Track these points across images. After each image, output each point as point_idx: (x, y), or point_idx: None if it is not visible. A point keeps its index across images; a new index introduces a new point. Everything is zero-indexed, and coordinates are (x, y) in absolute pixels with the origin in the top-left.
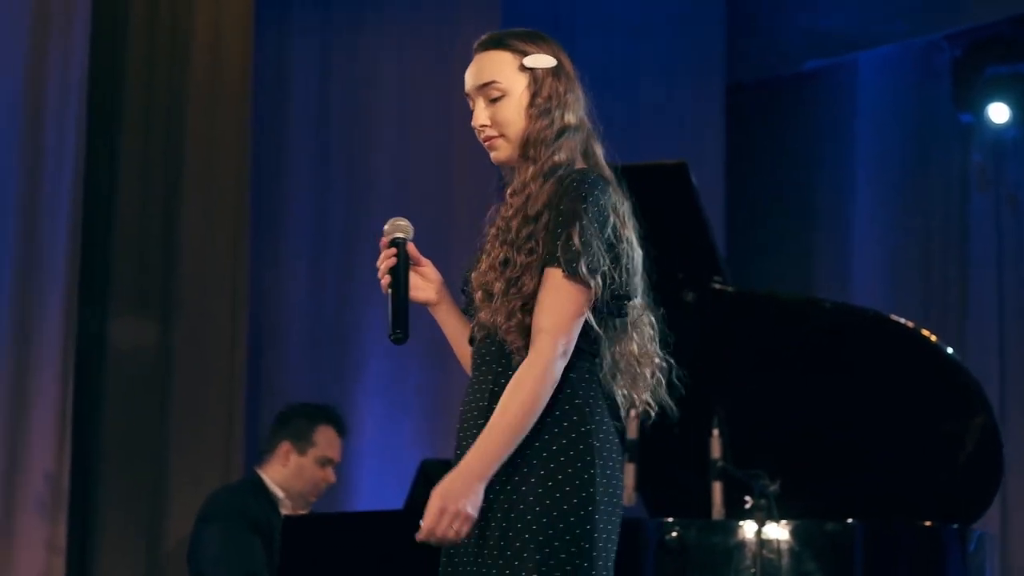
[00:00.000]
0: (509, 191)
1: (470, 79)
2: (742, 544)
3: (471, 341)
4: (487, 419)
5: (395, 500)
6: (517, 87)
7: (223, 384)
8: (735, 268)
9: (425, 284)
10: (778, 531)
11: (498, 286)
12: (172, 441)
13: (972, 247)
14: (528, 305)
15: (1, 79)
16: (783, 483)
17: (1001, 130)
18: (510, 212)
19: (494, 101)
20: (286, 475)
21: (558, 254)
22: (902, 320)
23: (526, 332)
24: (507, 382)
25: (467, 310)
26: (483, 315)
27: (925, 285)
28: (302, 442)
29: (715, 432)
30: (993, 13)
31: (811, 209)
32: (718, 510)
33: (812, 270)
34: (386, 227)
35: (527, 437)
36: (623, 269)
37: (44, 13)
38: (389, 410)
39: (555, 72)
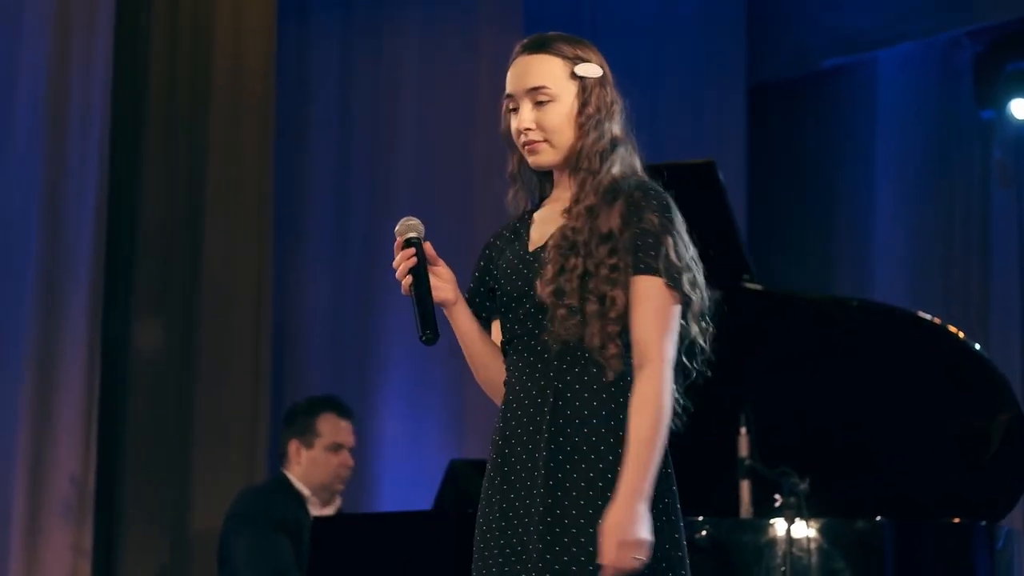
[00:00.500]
0: (565, 206)
1: (516, 81)
2: (772, 542)
3: (512, 340)
4: (553, 432)
5: (420, 501)
6: (566, 95)
7: (247, 386)
8: (756, 267)
9: (442, 284)
10: (807, 529)
11: (591, 306)
12: (196, 443)
13: (994, 244)
14: (624, 329)
15: (25, 85)
16: (811, 481)
17: (1022, 126)
18: (578, 223)
19: (540, 104)
20: (303, 472)
21: (656, 265)
22: (928, 316)
23: (625, 357)
24: (578, 397)
25: (489, 315)
26: (561, 329)
27: (946, 283)
28: (307, 436)
29: (743, 431)
30: (1014, 10)
31: (832, 207)
32: (746, 508)
33: (833, 268)
34: (398, 227)
35: (614, 439)
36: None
37: (66, 20)
38: (413, 411)
39: (602, 82)
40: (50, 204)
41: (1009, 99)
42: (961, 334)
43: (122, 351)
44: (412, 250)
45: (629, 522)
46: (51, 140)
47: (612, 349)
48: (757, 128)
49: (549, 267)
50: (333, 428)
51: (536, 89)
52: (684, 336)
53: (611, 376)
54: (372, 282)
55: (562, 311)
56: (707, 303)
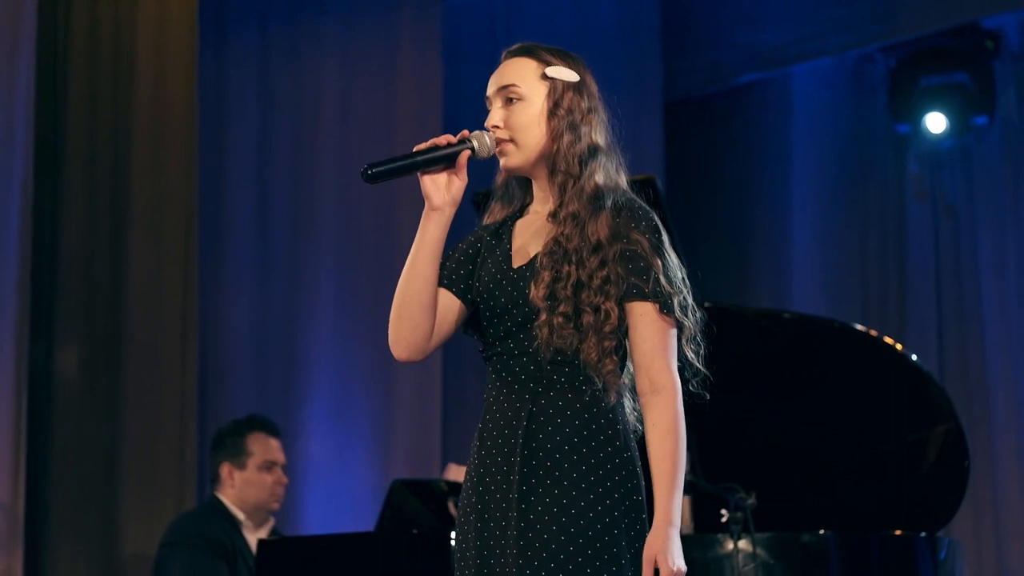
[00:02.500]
0: (547, 211)
1: (492, 82)
2: (719, 558)
3: (491, 357)
4: (526, 455)
5: (347, 524)
6: (536, 95)
7: (174, 410)
8: None
9: (444, 192)
10: (754, 543)
11: (586, 317)
12: (124, 469)
13: (910, 257)
14: (620, 345)
15: None
16: (757, 496)
17: (937, 140)
18: (568, 230)
19: (510, 103)
20: (237, 493)
21: (649, 292)
22: (864, 329)
23: (620, 372)
24: (551, 421)
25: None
26: (555, 338)
27: (863, 295)
28: (239, 456)
29: None
30: (927, 24)
31: (749, 221)
32: (687, 524)
33: (751, 281)
34: (477, 132)
35: (586, 466)
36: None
37: None
38: (338, 432)
39: (576, 88)
40: None
41: (924, 113)
42: (899, 346)
43: (47, 377)
44: (454, 141)
45: (670, 552)
46: None
47: (609, 364)
48: (674, 144)
49: (545, 274)
50: (263, 447)
51: (506, 87)
52: (680, 360)
53: (596, 397)
54: (295, 304)
55: (557, 319)
56: (699, 324)
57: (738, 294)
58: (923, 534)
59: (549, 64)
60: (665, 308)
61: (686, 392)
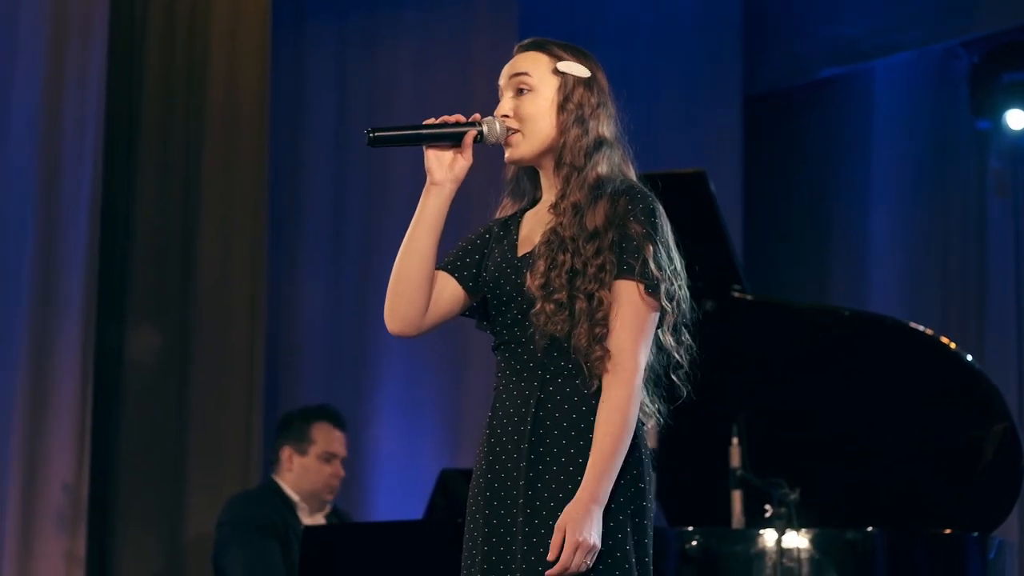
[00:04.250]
0: (550, 202)
1: (504, 72)
2: (763, 553)
3: (499, 346)
4: (533, 442)
5: (414, 510)
6: (546, 87)
7: (241, 395)
8: (753, 278)
9: (447, 169)
10: (798, 540)
11: (579, 304)
12: (190, 453)
13: (990, 254)
14: (609, 332)
15: (20, 97)
16: (803, 491)
17: (1018, 136)
18: (566, 219)
19: (520, 93)
20: (295, 479)
21: (636, 272)
22: (921, 327)
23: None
24: (558, 408)
25: (484, 315)
26: (549, 324)
27: (943, 292)
28: (302, 443)
29: (735, 441)
30: (1010, 20)
31: (828, 218)
32: (738, 519)
33: (830, 279)
34: (489, 117)
35: (584, 457)
36: (684, 294)
37: (62, 30)
38: (406, 422)
39: (587, 83)
40: (45, 215)
41: (1005, 109)
42: (953, 345)
43: (116, 360)
44: (463, 119)
45: (581, 523)
46: (46, 152)
47: (598, 351)
48: (753, 138)
49: (540, 262)
50: (327, 437)
51: (517, 75)
52: (660, 346)
53: (593, 386)
54: (367, 292)
55: (550, 306)
56: (686, 317)
57: (816, 292)
58: (975, 534)
59: (561, 59)
60: (650, 289)
61: (651, 383)
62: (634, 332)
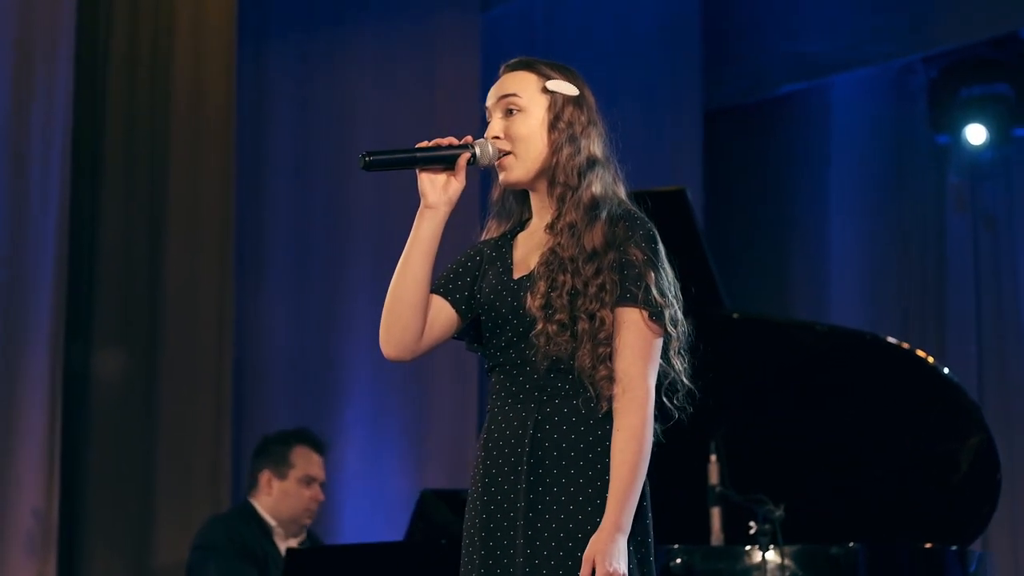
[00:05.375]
0: (545, 223)
1: (492, 94)
2: (747, 570)
3: (494, 368)
4: (532, 464)
5: (381, 531)
6: (536, 107)
7: (210, 416)
8: None
9: (440, 192)
10: (782, 556)
11: (581, 324)
12: (159, 475)
13: (949, 268)
14: (614, 353)
15: None
16: (786, 507)
17: (977, 151)
18: (564, 240)
19: (510, 114)
20: (273, 503)
21: (640, 299)
22: (896, 341)
23: (612, 382)
24: (557, 429)
25: (475, 336)
26: (551, 345)
27: (903, 306)
28: (281, 467)
29: (712, 458)
30: (968, 35)
31: (788, 231)
32: (717, 536)
33: (789, 292)
34: (480, 139)
35: (592, 472)
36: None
37: (27, 50)
38: (372, 441)
39: (576, 101)
40: (11, 235)
41: (964, 124)
42: (930, 359)
43: (84, 382)
44: (456, 141)
45: (609, 554)
46: (12, 170)
47: (603, 371)
48: (713, 153)
49: (540, 283)
50: (307, 461)
51: (506, 97)
52: (663, 374)
53: (591, 407)
54: (332, 311)
55: (552, 327)
56: (685, 340)
57: (776, 304)
58: (954, 547)
59: (549, 78)
60: (654, 316)
61: (673, 405)
62: (643, 359)
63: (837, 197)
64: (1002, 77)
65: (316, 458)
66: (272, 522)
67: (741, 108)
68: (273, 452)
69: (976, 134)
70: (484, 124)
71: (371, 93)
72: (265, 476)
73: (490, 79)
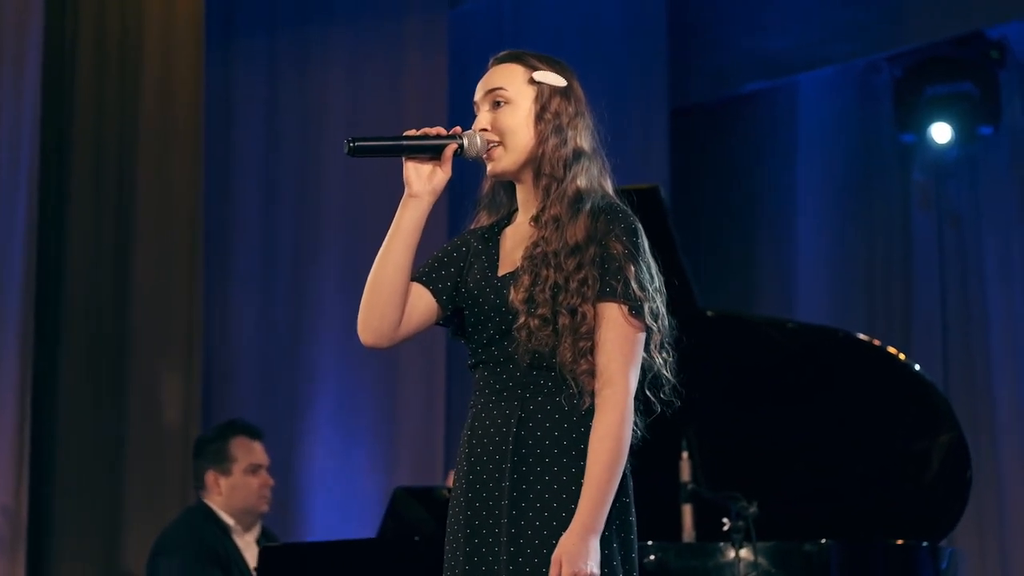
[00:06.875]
0: (530, 216)
1: (479, 87)
2: (721, 567)
3: (477, 364)
4: (516, 461)
5: (351, 529)
6: (523, 98)
7: (178, 418)
8: None
9: (425, 181)
10: (756, 553)
11: (563, 319)
12: (128, 476)
13: (915, 266)
14: (595, 348)
15: None
16: (759, 504)
17: (943, 150)
18: (547, 234)
19: (497, 106)
20: (225, 500)
21: (619, 293)
22: (869, 339)
23: (593, 376)
24: (540, 426)
25: (460, 326)
26: (532, 340)
27: (869, 303)
28: (223, 463)
29: (684, 455)
30: (933, 34)
31: (754, 228)
32: (689, 533)
33: (756, 290)
34: (469, 131)
35: (575, 469)
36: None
37: None
38: (341, 438)
39: (563, 93)
40: None
41: (929, 123)
42: (902, 356)
43: (52, 383)
44: (445, 132)
45: (580, 554)
46: None
47: (584, 365)
48: (680, 151)
49: (524, 277)
50: (247, 451)
51: (493, 90)
52: (647, 368)
53: (574, 403)
54: (300, 310)
55: (534, 321)
56: (667, 334)
57: (743, 302)
58: (925, 543)
59: (536, 69)
60: (634, 311)
61: (641, 402)
62: (623, 355)
63: (803, 194)
64: (967, 76)
65: (255, 445)
66: (230, 520)
67: (707, 106)
68: (211, 450)
69: (941, 132)
70: (452, 122)
71: (340, 91)
72: (211, 476)
73: (458, 76)
